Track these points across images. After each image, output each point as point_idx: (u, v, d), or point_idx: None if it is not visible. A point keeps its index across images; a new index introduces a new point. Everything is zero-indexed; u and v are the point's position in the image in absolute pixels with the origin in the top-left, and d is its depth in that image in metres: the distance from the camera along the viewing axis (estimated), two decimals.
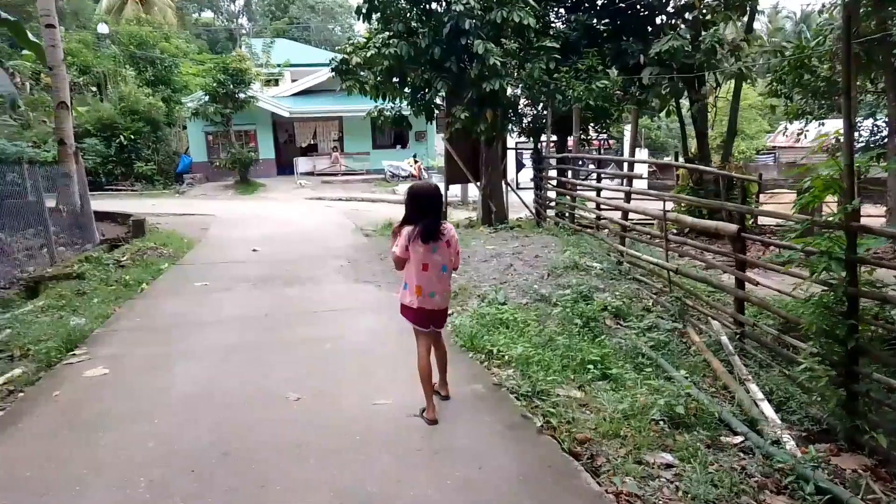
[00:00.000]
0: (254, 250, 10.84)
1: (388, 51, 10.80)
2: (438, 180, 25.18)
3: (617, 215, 8.84)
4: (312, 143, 26.96)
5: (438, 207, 3.80)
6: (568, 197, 10.91)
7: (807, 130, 16.44)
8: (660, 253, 7.49)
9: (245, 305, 6.96)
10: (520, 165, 19.70)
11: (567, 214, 11.14)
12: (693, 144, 13.41)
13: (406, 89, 12.02)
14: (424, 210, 3.72)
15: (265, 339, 5.70)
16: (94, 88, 25.03)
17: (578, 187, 10.88)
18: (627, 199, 7.51)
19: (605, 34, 12.46)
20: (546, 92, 11.32)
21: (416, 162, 24.55)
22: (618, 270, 7.63)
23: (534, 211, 14.99)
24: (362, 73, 11.32)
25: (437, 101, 12.01)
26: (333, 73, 11.47)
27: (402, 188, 22.56)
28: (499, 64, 10.49)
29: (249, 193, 22.04)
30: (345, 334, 5.76)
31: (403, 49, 10.85)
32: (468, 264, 8.21)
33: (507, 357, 4.82)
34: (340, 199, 20.72)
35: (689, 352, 5.64)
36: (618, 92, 11.64)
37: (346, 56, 11.10)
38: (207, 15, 57.92)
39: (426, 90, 11.59)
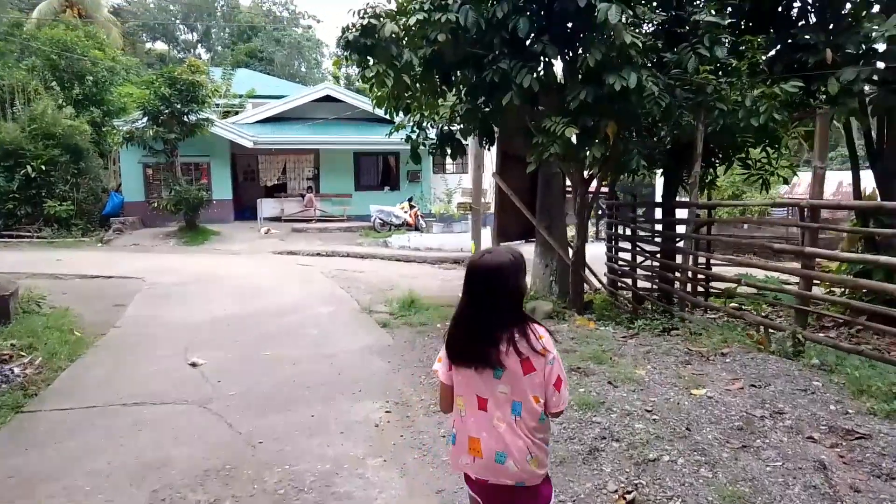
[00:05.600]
0: (192, 364, 5.88)
1: (445, 16, 6.18)
2: (440, 230, 20.51)
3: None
4: (280, 181, 22.00)
5: (499, 296, 1.90)
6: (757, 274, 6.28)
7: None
8: None
9: None
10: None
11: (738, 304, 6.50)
12: (870, 186, 9.18)
13: (459, 88, 7.38)
14: (473, 303, 1.94)
15: None
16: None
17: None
18: None
19: (765, 19, 8.08)
20: (695, 100, 6.84)
21: (411, 207, 19.77)
22: None
23: (605, 282, 10.41)
24: (400, 54, 6.52)
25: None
26: (346, 52, 6.64)
27: (396, 240, 17.65)
28: (639, 45, 6.02)
29: (198, 244, 16.78)
30: None
31: (469, 17, 6.25)
32: (731, 469, 3.45)
33: None
34: (319, 254, 15.68)
35: None
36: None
37: (372, 21, 6.33)
38: (162, 46, 52.94)
39: (493, 91, 6.96)
